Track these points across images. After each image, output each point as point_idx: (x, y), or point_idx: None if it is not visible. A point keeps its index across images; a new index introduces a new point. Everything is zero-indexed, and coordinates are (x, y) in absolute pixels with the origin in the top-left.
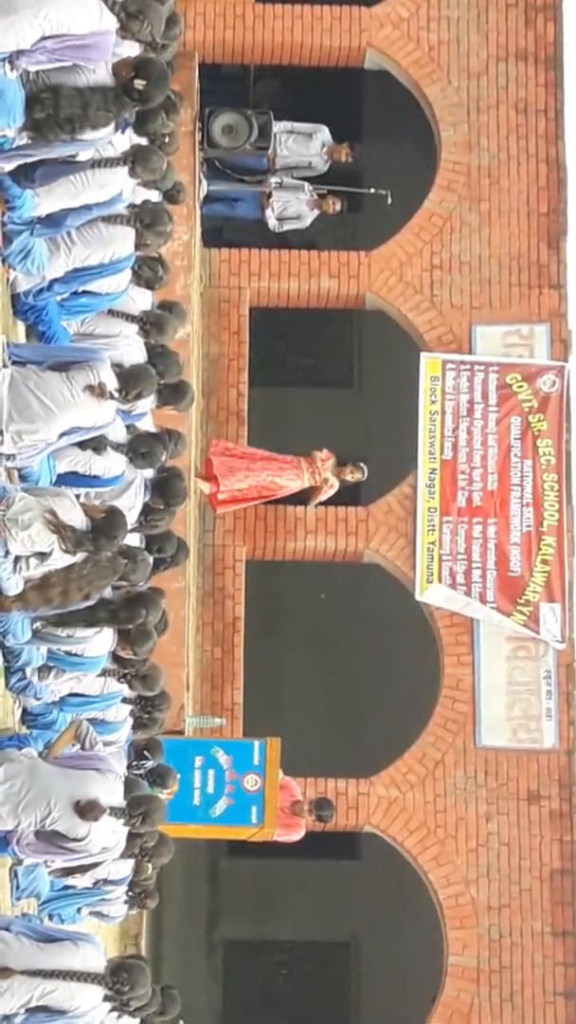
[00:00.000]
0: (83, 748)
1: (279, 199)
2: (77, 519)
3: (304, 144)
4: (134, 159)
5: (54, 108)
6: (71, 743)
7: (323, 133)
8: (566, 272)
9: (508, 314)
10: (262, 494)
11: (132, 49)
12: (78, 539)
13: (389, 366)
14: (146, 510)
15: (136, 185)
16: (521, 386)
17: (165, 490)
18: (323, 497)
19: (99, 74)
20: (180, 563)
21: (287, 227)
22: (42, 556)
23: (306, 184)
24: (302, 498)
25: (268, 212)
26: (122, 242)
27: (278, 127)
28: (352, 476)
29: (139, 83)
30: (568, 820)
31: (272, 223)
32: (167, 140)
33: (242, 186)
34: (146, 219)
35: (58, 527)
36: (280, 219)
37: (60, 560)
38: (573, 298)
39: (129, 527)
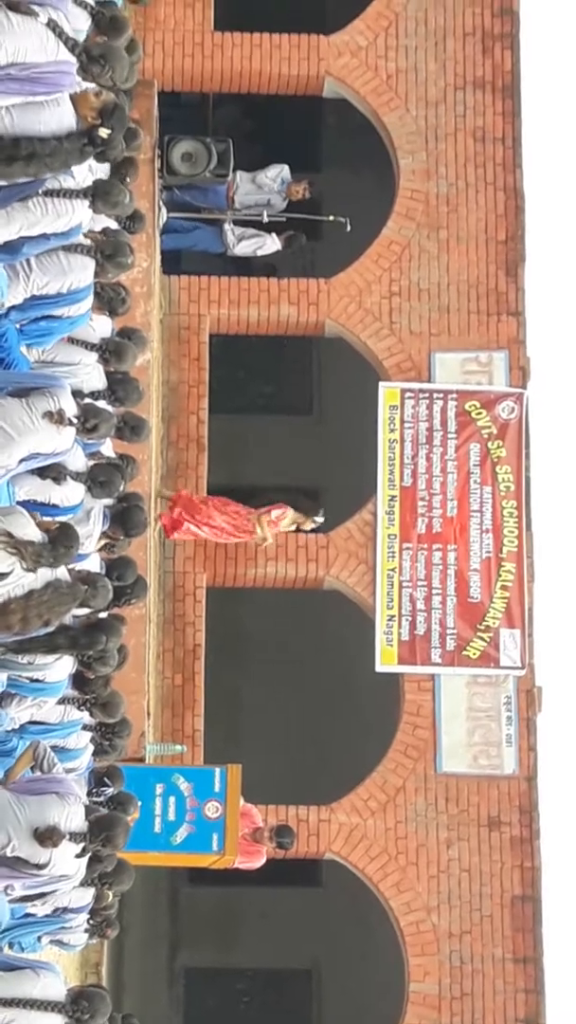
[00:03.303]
0: (42, 770)
1: (238, 229)
2: (33, 534)
3: (263, 185)
4: (95, 193)
5: (19, 170)
6: (29, 765)
7: (283, 171)
8: (524, 299)
9: (467, 341)
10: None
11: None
12: (37, 552)
13: (349, 393)
14: (105, 537)
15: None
16: (480, 413)
17: (125, 520)
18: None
19: (63, 108)
20: (140, 597)
21: (248, 246)
22: (2, 576)
23: (264, 212)
24: None
25: (227, 228)
26: (82, 272)
27: (239, 176)
28: (311, 524)
29: (104, 132)
30: (529, 846)
31: (230, 240)
32: (127, 170)
33: (199, 213)
34: (107, 250)
35: (16, 545)
36: (240, 239)
37: (21, 579)
38: (531, 325)
39: (89, 553)
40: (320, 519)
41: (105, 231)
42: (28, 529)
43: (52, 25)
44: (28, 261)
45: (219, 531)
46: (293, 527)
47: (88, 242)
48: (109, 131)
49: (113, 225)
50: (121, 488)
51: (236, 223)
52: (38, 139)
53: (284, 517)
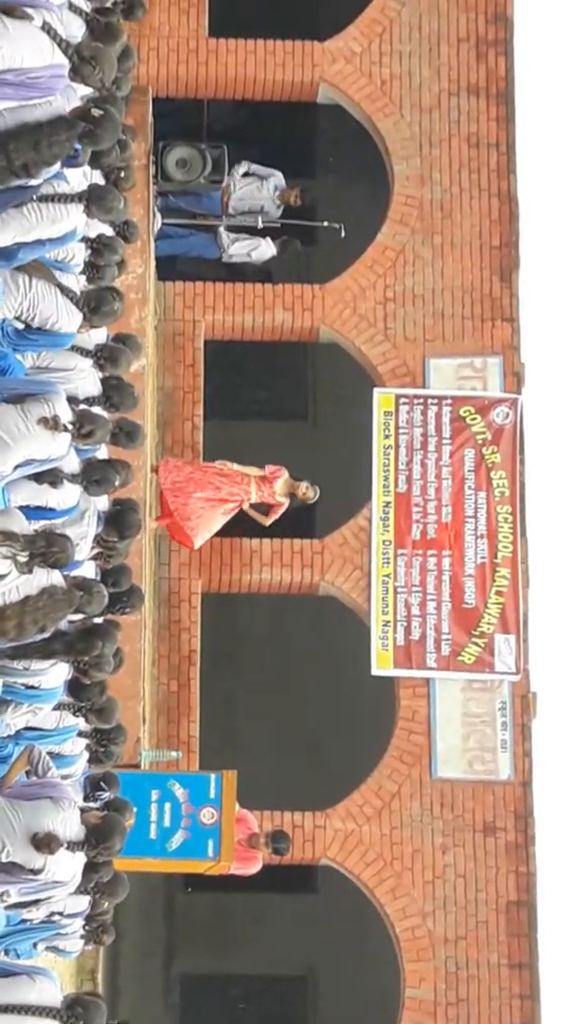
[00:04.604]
0: (36, 775)
1: (232, 234)
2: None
3: (258, 188)
4: (89, 198)
5: (7, 160)
6: (24, 769)
7: (277, 178)
8: (518, 305)
9: (461, 347)
10: (212, 512)
11: (84, 89)
12: (31, 540)
13: (343, 398)
14: (100, 542)
15: (90, 219)
16: (474, 419)
17: (119, 522)
18: (276, 516)
19: (55, 108)
20: (136, 607)
21: (243, 247)
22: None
23: (259, 218)
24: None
25: (222, 231)
26: (68, 318)
27: (235, 169)
28: (304, 494)
29: (96, 111)
30: (524, 852)
31: (225, 242)
32: (123, 176)
33: (194, 219)
34: (92, 303)
35: (9, 538)
36: (235, 241)
37: (16, 581)
38: (526, 331)
39: (84, 557)
40: (315, 492)
41: (100, 238)
42: (24, 529)
43: (47, 28)
44: (31, 282)
45: (207, 487)
46: (287, 498)
47: (78, 292)
48: (101, 112)
49: (108, 231)
50: (116, 483)
51: (230, 230)
52: (15, 126)
53: (279, 475)
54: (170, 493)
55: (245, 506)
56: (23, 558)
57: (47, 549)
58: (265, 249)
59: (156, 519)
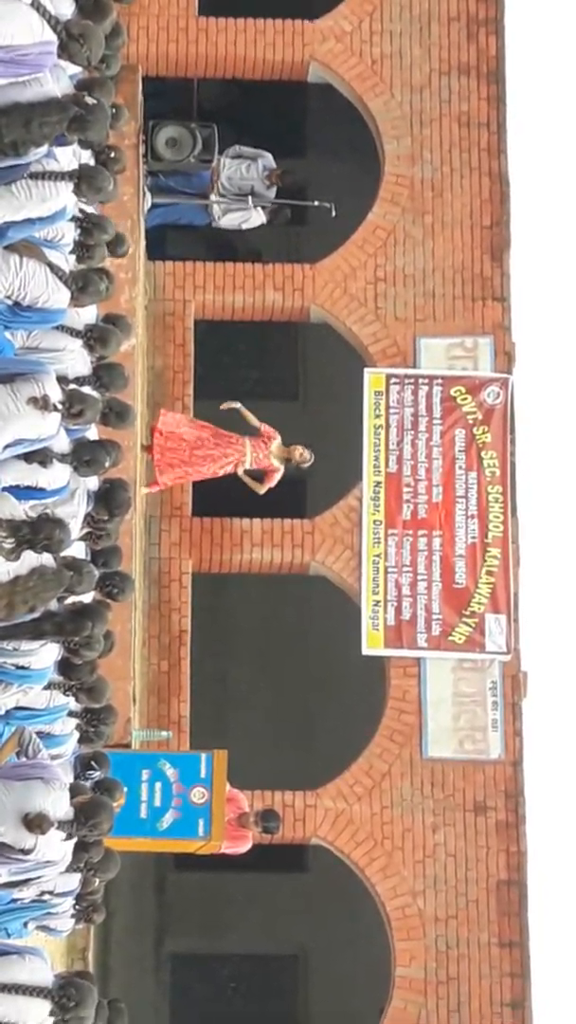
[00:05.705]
0: (27, 756)
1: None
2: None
3: (246, 168)
4: (80, 177)
5: None
6: (14, 751)
7: (266, 158)
8: (509, 284)
9: (452, 326)
10: (203, 464)
11: (73, 68)
12: (15, 527)
13: (334, 378)
14: (90, 521)
15: (79, 201)
16: (465, 398)
17: (109, 500)
18: (272, 483)
19: (45, 88)
20: (127, 594)
21: (234, 219)
22: None
23: (250, 198)
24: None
25: (212, 197)
26: (58, 295)
27: (225, 154)
28: (301, 458)
29: (90, 100)
30: (514, 831)
31: (216, 212)
32: (112, 156)
33: (185, 198)
34: (80, 283)
35: None
36: (227, 211)
37: (4, 565)
38: (516, 310)
39: (73, 537)
40: (310, 455)
41: (89, 217)
42: (15, 514)
43: (36, 5)
44: (22, 261)
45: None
46: (280, 463)
47: (67, 271)
48: (95, 101)
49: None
50: (106, 464)
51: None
52: (6, 104)
53: (274, 438)
54: (160, 448)
55: (240, 470)
56: (8, 544)
57: (32, 536)
58: (256, 218)
59: (148, 484)
